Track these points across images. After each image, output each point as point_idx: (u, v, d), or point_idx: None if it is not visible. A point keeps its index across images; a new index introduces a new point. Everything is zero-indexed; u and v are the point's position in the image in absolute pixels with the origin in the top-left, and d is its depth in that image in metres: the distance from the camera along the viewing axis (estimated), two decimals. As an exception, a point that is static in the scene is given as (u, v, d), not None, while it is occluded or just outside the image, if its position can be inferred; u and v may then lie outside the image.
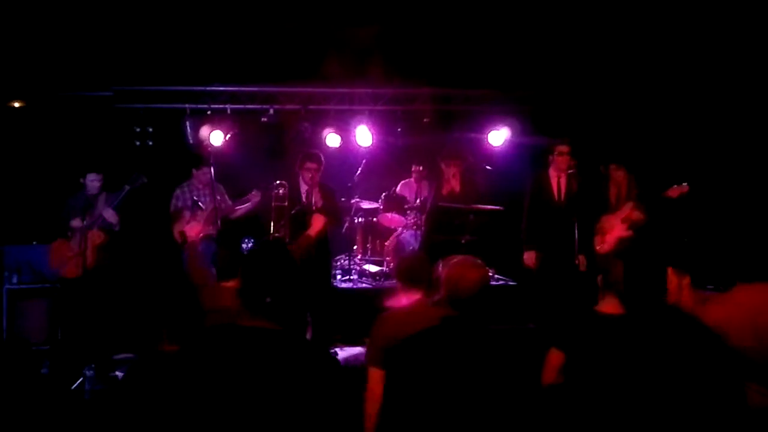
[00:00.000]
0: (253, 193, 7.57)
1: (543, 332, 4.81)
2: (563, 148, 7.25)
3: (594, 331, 3.87)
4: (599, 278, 4.10)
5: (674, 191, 6.84)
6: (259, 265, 2.74)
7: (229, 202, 7.86)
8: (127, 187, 7.11)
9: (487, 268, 3.49)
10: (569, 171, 7.29)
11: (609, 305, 3.98)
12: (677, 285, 4.70)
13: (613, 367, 3.58)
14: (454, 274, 3.38)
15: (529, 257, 7.31)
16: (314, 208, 7.34)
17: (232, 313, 3.00)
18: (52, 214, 7.57)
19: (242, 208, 7.69)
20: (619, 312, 3.95)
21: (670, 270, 4.62)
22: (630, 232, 6.97)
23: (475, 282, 3.36)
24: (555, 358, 3.96)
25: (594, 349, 3.70)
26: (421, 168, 8.92)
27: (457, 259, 3.53)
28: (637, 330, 3.65)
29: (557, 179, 7.31)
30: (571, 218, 7.07)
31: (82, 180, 7.29)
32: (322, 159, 7.38)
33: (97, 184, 7.27)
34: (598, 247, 7.09)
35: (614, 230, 7.08)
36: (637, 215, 6.91)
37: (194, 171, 7.81)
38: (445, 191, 7.89)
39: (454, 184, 7.86)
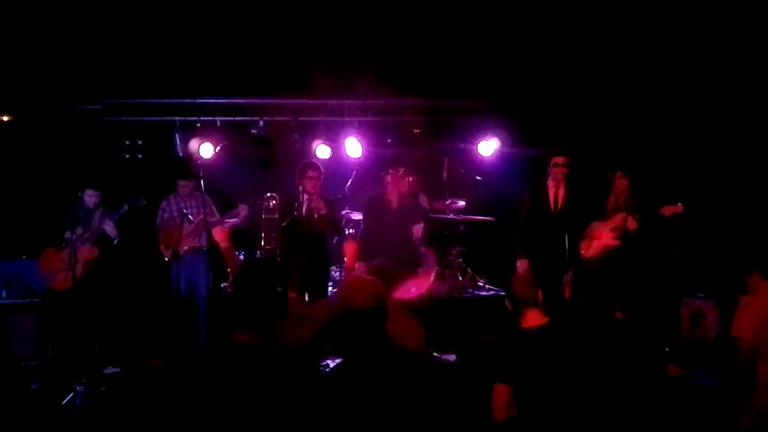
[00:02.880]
0: (240, 207, 7.58)
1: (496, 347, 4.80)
2: (558, 160, 7.24)
3: (526, 350, 3.82)
4: (506, 302, 4.09)
5: (668, 210, 6.77)
6: (246, 282, 2.76)
7: (217, 215, 7.85)
8: (126, 207, 7.29)
9: (379, 288, 3.26)
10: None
11: (532, 319, 3.96)
12: None
13: (556, 375, 3.61)
14: (344, 294, 3.22)
15: (521, 265, 7.30)
16: (316, 216, 7.37)
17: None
18: (41, 228, 7.56)
19: (230, 222, 7.71)
20: (544, 322, 3.95)
21: None
22: (618, 242, 6.97)
23: (363, 302, 3.13)
24: (501, 392, 3.82)
25: (531, 366, 3.69)
26: (410, 179, 8.92)
27: (350, 278, 3.46)
28: (568, 334, 3.70)
29: (555, 190, 7.30)
30: (563, 229, 7.07)
31: (80, 194, 7.35)
32: (322, 168, 7.49)
33: (94, 199, 7.40)
34: (583, 252, 7.10)
35: (602, 238, 7.08)
36: (632, 224, 6.89)
37: (179, 181, 7.84)
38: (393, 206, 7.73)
39: (395, 200, 7.83)
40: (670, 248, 7.79)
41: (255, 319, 2.73)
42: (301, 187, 7.43)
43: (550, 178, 7.30)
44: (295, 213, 7.38)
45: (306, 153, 8.67)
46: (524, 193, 7.44)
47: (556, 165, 7.21)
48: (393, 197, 7.53)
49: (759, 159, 7.77)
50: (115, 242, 7.39)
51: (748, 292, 4.68)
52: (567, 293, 4.20)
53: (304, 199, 7.42)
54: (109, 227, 7.26)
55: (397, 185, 7.54)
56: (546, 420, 3.66)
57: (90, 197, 7.37)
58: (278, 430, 2.54)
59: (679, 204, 6.76)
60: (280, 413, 2.54)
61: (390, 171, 7.58)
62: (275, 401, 2.55)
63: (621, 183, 7.24)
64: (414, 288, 4.21)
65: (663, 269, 7.60)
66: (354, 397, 2.84)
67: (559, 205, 7.27)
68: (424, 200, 8.81)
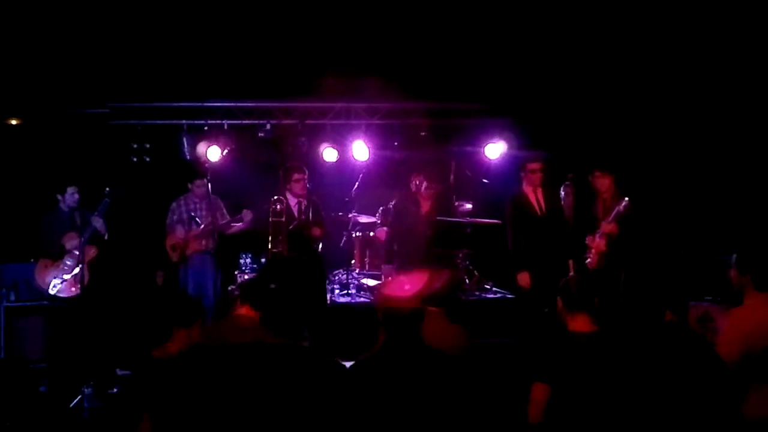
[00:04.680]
0: (244, 212, 7.61)
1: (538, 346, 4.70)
2: (535, 166, 7.28)
3: (573, 355, 3.71)
4: (559, 300, 3.99)
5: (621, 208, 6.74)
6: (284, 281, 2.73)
7: (228, 218, 7.89)
8: (108, 201, 7.26)
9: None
10: (566, 183, 7.29)
11: (580, 323, 3.87)
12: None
13: (602, 387, 3.48)
14: (387, 295, 3.30)
15: (522, 278, 7.26)
16: (310, 220, 7.40)
17: None
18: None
19: (236, 227, 7.76)
20: (592, 329, 3.85)
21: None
22: (608, 248, 6.91)
23: (405, 304, 3.25)
24: (539, 392, 3.70)
25: (576, 373, 3.57)
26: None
27: (392, 279, 3.49)
28: (621, 345, 3.55)
29: (534, 194, 7.33)
30: (556, 229, 7.08)
31: (59, 196, 7.39)
32: (305, 169, 7.66)
33: (76, 196, 7.46)
34: (588, 262, 7.08)
35: (597, 245, 7.04)
36: (611, 228, 6.85)
37: (190, 185, 7.87)
38: (423, 210, 8.03)
39: (426, 205, 8.03)
40: (677, 251, 7.77)
41: (285, 319, 2.70)
42: (287, 192, 7.48)
43: (525, 184, 7.34)
44: (296, 215, 7.46)
45: (313, 156, 8.71)
46: (505, 207, 7.46)
47: (533, 171, 7.30)
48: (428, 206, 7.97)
49: (757, 161, 7.80)
50: (106, 237, 7.42)
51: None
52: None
53: (294, 204, 7.48)
54: (99, 224, 7.30)
55: (428, 190, 7.91)
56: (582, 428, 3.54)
57: (72, 195, 7.44)
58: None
59: (626, 199, 6.71)
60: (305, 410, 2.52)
61: (417, 179, 7.97)
62: (300, 398, 2.53)
63: (601, 183, 7.07)
64: (408, 285, 4.17)
65: (669, 272, 7.56)
66: (378, 393, 2.86)
67: (543, 208, 7.30)
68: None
